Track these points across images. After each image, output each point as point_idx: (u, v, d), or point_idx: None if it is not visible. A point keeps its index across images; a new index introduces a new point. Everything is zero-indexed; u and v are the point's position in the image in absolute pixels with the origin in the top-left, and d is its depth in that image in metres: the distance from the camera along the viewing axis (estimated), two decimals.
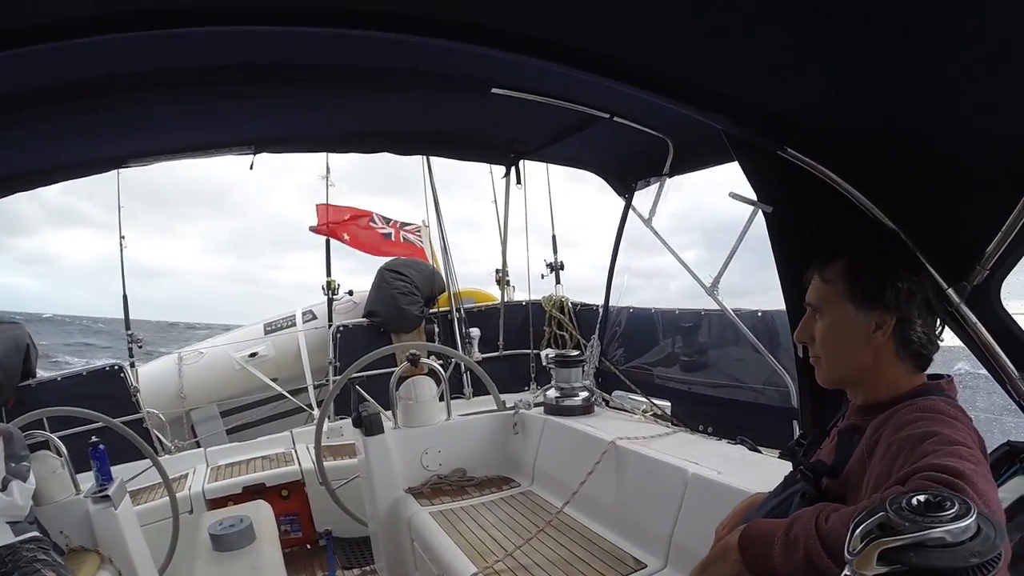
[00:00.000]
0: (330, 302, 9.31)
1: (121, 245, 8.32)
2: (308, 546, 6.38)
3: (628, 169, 5.12)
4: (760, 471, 3.42)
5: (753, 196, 2.66)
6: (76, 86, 3.10)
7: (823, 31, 1.80)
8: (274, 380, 9.07)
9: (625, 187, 5.24)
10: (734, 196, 3.00)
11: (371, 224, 10.58)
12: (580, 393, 5.21)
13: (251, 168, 5.16)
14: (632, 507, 3.97)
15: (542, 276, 7.84)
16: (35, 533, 4.19)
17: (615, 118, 3.98)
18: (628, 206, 5.25)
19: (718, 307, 4.69)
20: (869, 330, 1.85)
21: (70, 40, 2.15)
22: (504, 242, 7.39)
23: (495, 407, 5.71)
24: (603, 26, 2.07)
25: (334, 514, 6.14)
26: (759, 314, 4.66)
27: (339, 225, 10.10)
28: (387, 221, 10.77)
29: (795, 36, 1.87)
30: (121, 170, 5.77)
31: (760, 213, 2.64)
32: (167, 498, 5.58)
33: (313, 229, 10.01)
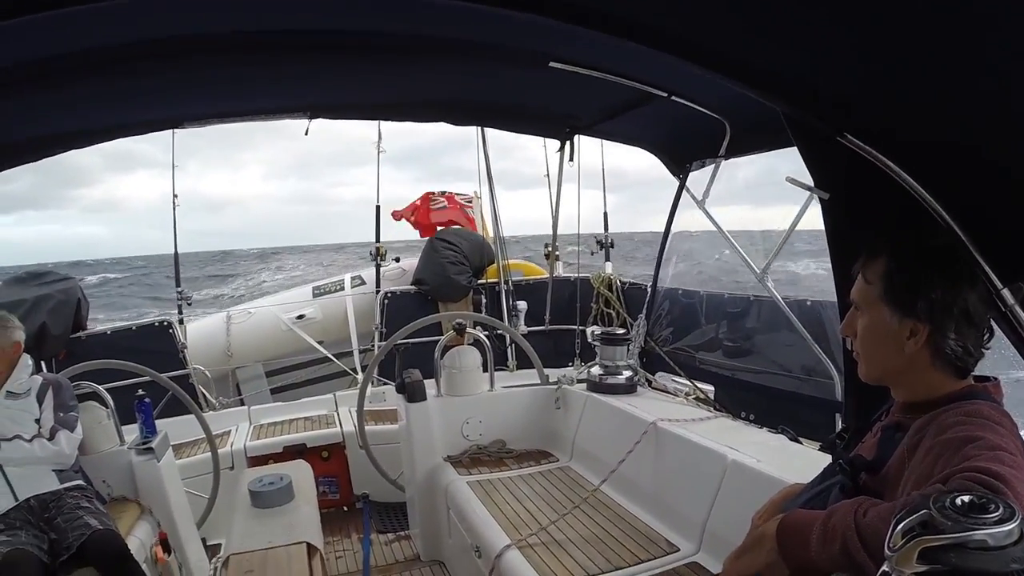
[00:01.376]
0: (378, 268, 9.37)
1: (174, 204, 8.41)
2: (345, 508, 6.46)
3: (683, 149, 5.06)
4: (799, 462, 3.38)
5: (810, 181, 2.62)
6: (138, 47, 3.13)
7: (892, 15, 1.74)
8: (320, 343, 9.16)
9: (679, 167, 5.17)
10: (791, 181, 2.95)
11: (430, 204, 10.69)
12: (624, 372, 5.19)
13: (306, 134, 5.20)
14: (669, 489, 3.97)
15: (591, 252, 7.81)
16: (79, 481, 4.31)
17: (672, 97, 3.93)
18: (682, 187, 5.18)
19: (767, 293, 4.63)
20: (903, 336, 1.80)
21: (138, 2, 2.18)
22: (555, 217, 7.34)
23: (538, 381, 5.71)
24: (666, 1, 2.04)
25: (372, 478, 6.22)
26: (808, 303, 4.58)
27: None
28: (442, 193, 10.83)
29: (861, 19, 1.82)
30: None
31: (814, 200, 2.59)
32: (209, 453, 5.68)
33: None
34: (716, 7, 2.01)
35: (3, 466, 4.07)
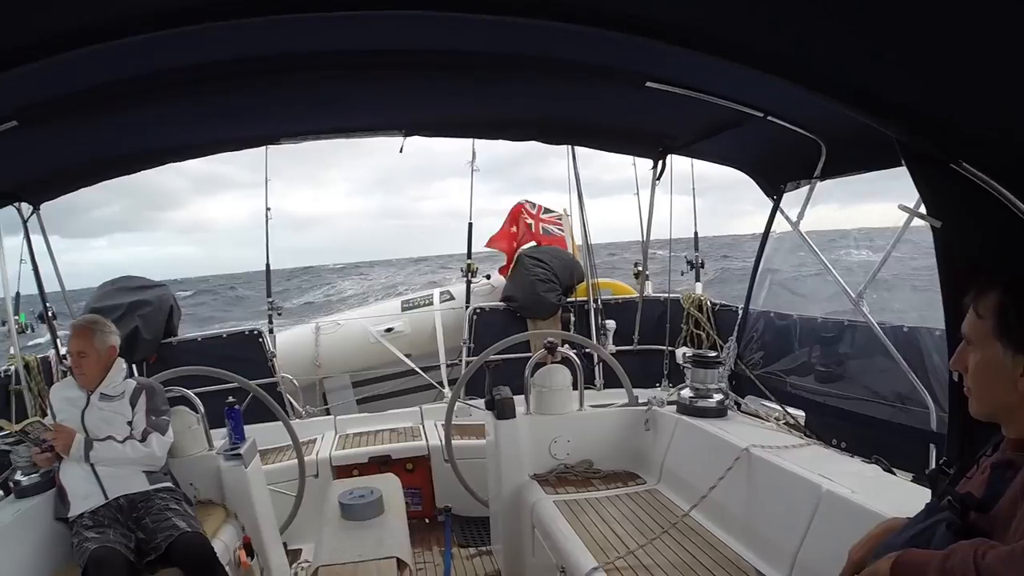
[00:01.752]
0: (468, 284, 9.45)
1: (267, 216, 8.64)
2: (427, 520, 6.51)
3: (778, 170, 4.98)
4: (895, 494, 3.28)
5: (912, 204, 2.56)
6: (238, 65, 3.25)
7: (1012, 44, 1.69)
8: (407, 356, 9.27)
9: (774, 188, 5.09)
10: (903, 208, 2.89)
11: (523, 216, 10.70)
12: (714, 395, 5.10)
13: (400, 151, 5.32)
14: (760, 518, 3.88)
15: (681, 273, 7.74)
16: (168, 483, 4.46)
17: (769, 117, 3.88)
18: (776, 207, 5.10)
19: (862, 318, 4.51)
20: (1016, 374, 1.75)
21: (237, 20, 2.25)
22: (647, 236, 7.29)
23: (626, 401, 5.66)
24: (770, 22, 2.02)
25: (455, 492, 6.27)
26: (905, 329, 4.45)
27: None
28: (533, 205, 10.83)
29: (980, 46, 1.77)
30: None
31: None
32: (294, 461, 5.80)
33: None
34: (827, 30, 1.98)
35: (95, 465, 4.23)
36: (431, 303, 10.17)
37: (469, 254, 9.73)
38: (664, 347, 6.79)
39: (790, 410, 5.07)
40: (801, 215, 4.82)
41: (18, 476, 4.41)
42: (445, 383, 8.51)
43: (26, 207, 5.60)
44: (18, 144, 3.78)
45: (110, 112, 3.80)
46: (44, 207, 5.76)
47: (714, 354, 5.31)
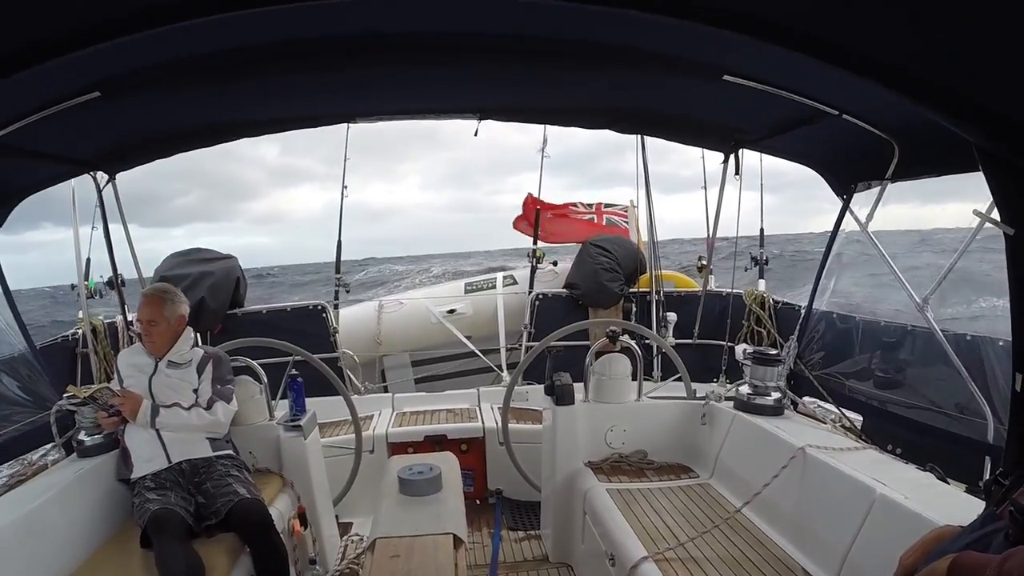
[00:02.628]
0: (533, 270, 9.51)
1: (343, 194, 8.77)
2: (478, 502, 6.60)
3: (849, 169, 4.91)
4: (948, 502, 3.25)
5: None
6: (320, 43, 3.33)
7: None
8: (468, 338, 9.38)
9: (844, 188, 5.02)
10: (977, 214, 2.86)
11: (572, 212, 10.70)
12: (773, 393, 5.08)
13: (475, 135, 5.39)
14: (811, 518, 3.87)
15: (745, 269, 7.67)
16: (230, 451, 4.61)
17: (844, 115, 3.85)
18: (845, 207, 5.04)
19: (925, 324, 4.45)
20: None
21: (322, 1, 2.33)
22: (714, 230, 7.24)
23: (683, 394, 5.67)
24: (851, 19, 2.02)
25: (507, 474, 6.36)
26: (968, 338, 4.37)
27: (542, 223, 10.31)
28: (589, 207, 10.84)
29: None
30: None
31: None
32: (351, 435, 5.94)
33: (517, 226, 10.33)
34: (912, 29, 1.97)
35: (160, 430, 4.37)
36: (494, 286, 10.27)
37: (535, 240, 9.79)
38: (724, 342, 6.77)
39: (847, 413, 5.03)
40: (871, 216, 4.76)
41: (82, 436, 4.60)
42: (504, 366, 8.59)
43: (102, 176, 5.74)
44: (99, 115, 3.90)
45: (189, 85, 3.90)
46: (124, 196, 5.99)
47: (774, 352, 5.27)
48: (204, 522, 4.17)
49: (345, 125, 6.17)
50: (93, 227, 6.37)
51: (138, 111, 4.34)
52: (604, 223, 10.80)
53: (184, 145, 5.30)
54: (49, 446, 4.91)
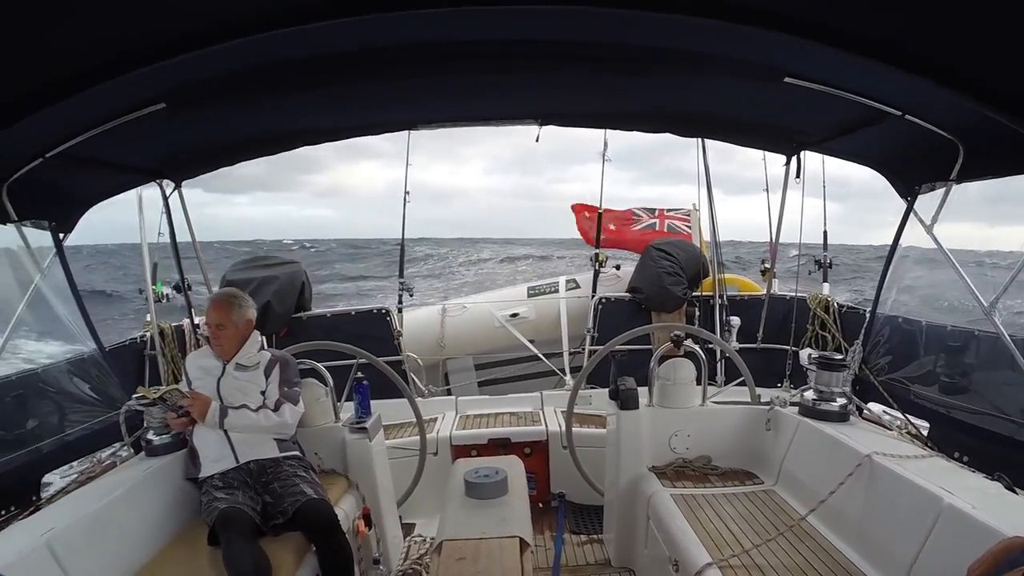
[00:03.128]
0: (596, 274, 9.49)
1: (405, 199, 8.86)
2: (540, 505, 6.62)
3: (912, 171, 4.84)
4: (1017, 512, 3.20)
5: None
6: (384, 53, 3.40)
7: None
8: (531, 341, 9.38)
9: (908, 189, 4.95)
10: None
11: (632, 219, 10.70)
12: (838, 399, 5.03)
13: (536, 140, 5.41)
14: (876, 527, 3.84)
15: (809, 272, 7.58)
16: (296, 452, 4.74)
17: (906, 116, 3.81)
18: (909, 209, 4.96)
19: (993, 329, 4.37)
20: None
21: (383, 13, 2.41)
22: (776, 233, 7.17)
23: (747, 399, 5.64)
24: (914, 21, 2.02)
25: (570, 478, 6.40)
26: None
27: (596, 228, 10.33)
28: (651, 212, 10.82)
29: None
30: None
31: None
32: (414, 437, 6.05)
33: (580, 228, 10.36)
34: (978, 32, 1.97)
35: (228, 431, 4.51)
36: (557, 290, 10.27)
37: (598, 243, 9.79)
38: (788, 347, 6.71)
39: (913, 420, 4.96)
40: (935, 218, 4.69)
41: (150, 436, 4.79)
42: (567, 370, 8.58)
43: (168, 184, 5.90)
44: (165, 125, 4.00)
45: (252, 95, 4.03)
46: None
47: (840, 357, 5.21)
48: (271, 521, 4.30)
49: (406, 132, 6.28)
50: (160, 233, 6.51)
51: (202, 121, 4.49)
52: (666, 229, 10.78)
53: (247, 153, 5.46)
54: (118, 445, 5.08)
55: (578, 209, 10.61)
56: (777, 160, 6.01)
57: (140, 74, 2.73)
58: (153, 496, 4.39)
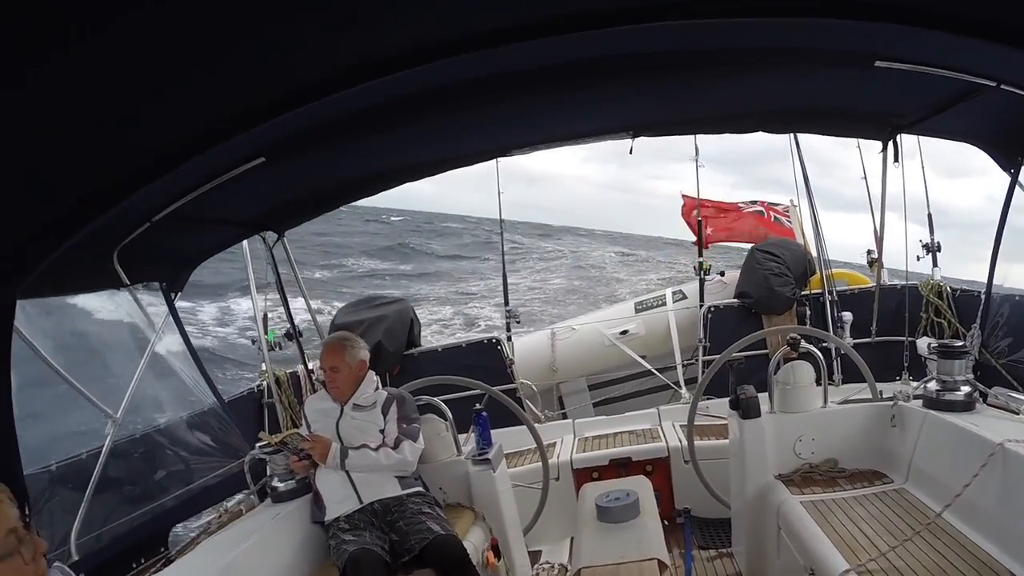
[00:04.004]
0: (701, 283, 9.43)
1: (502, 227, 9.03)
2: (666, 522, 6.53)
3: (1014, 141, 4.70)
4: None
5: None
6: (469, 86, 3.48)
7: None
8: (643, 357, 9.40)
9: (1010, 161, 4.81)
10: None
11: (739, 210, 10.58)
12: (962, 387, 4.83)
13: (630, 152, 5.46)
14: (1017, 518, 3.67)
15: (918, 258, 7.35)
16: (420, 488, 4.83)
17: (1002, 86, 3.71)
18: (1014, 182, 4.81)
19: None
20: None
21: (469, 54, 2.54)
22: (881, 223, 7.02)
23: (868, 396, 5.49)
24: None
25: (695, 493, 6.33)
26: None
27: (705, 221, 10.25)
28: (753, 202, 10.70)
29: None
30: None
31: None
32: (534, 464, 6.12)
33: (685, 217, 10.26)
34: None
35: (350, 472, 4.64)
36: (664, 303, 10.21)
37: (700, 251, 9.74)
38: (904, 338, 6.53)
39: None
40: None
41: (275, 482, 4.95)
42: (682, 383, 8.54)
43: (271, 235, 6.08)
44: (264, 178, 4.16)
45: (347, 141, 4.15)
46: None
47: (960, 343, 5.04)
48: (399, 559, 4.40)
49: (494, 161, 6.38)
50: (267, 282, 6.77)
51: (301, 170, 4.64)
52: (772, 219, 10.66)
53: (346, 198, 5.67)
54: (244, 493, 5.27)
55: (689, 206, 10.49)
56: (870, 146, 5.92)
57: (241, 137, 2.90)
58: (282, 542, 4.55)
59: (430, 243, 49.77)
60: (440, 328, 24.78)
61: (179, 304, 5.34)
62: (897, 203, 6.71)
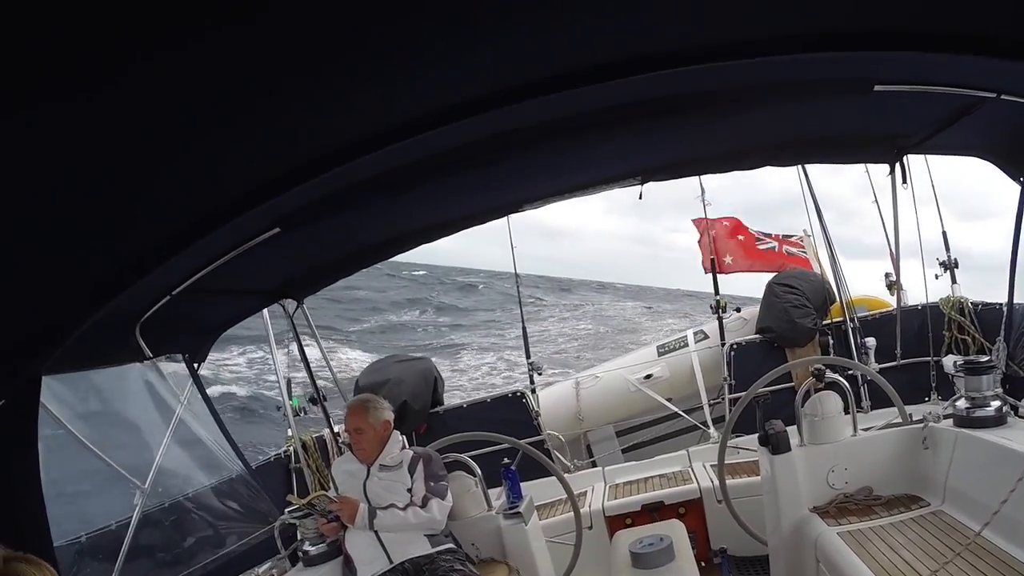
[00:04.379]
0: (720, 321, 9.39)
1: (517, 282, 9.08)
2: (703, 563, 6.42)
3: (1019, 151, 4.69)
4: None
5: None
6: (475, 147, 3.50)
7: None
8: (668, 400, 9.33)
9: (1019, 171, 4.78)
10: None
11: (755, 245, 10.55)
12: (992, 402, 4.75)
13: (640, 198, 5.47)
14: None
15: (936, 276, 7.30)
16: (451, 544, 4.79)
17: (1002, 96, 3.70)
18: None
19: None
20: None
21: (482, 114, 2.56)
22: (896, 244, 6.97)
23: (898, 420, 5.40)
24: (991, 7, 2.02)
25: (730, 532, 6.22)
26: None
27: (722, 244, 10.21)
28: (769, 236, 10.69)
29: None
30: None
31: None
32: (566, 514, 6.03)
33: (705, 265, 10.23)
34: None
35: (378, 532, 4.61)
36: (686, 344, 10.13)
37: (716, 290, 9.72)
38: (929, 358, 6.46)
39: None
40: None
41: (306, 547, 4.92)
42: (710, 423, 8.46)
43: (290, 303, 6.11)
44: (280, 247, 4.18)
45: (359, 208, 4.21)
46: None
47: (986, 358, 4.97)
48: None
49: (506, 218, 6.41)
50: (287, 350, 6.81)
51: (316, 238, 4.70)
52: (785, 253, 10.63)
53: (362, 262, 5.67)
54: (275, 559, 5.23)
55: (700, 227, 10.46)
56: (879, 169, 5.91)
57: (255, 211, 2.95)
58: None
59: (453, 296, 50.23)
60: (489, 370, 25.47)
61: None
62: (909, 225, 6.67)
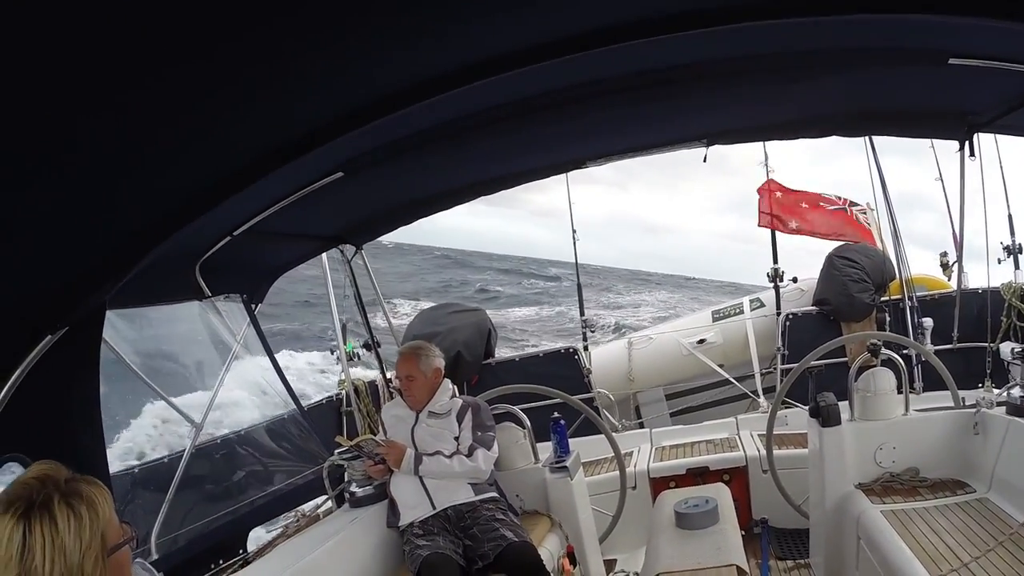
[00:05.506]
0: (777, 290, 9.35)
1: (574, 238, 9.09)
2: (743, 532, 6.49)
3: None
4: None
5: None
6: (545, 97, 3.57)
7: None
8: (720, 366, 9.37)
9: None
10: None
11: (820, 204, 10.38)
12: None
13: (704, 161, 5.45)
14: None
15: (999, 261, 7.18)
16: (494, 494, 4.89)
17: None
18: None
19: None
20: None
21: (548, 61, 2.63)
22: (961, 225, 6.88)
23: (950, 403, 5.39)
24: None
25: (772, 503, 6.29)
26: None
27: (785, 209, 10.08)
28: (838, 198, 10.49)
29: None
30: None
31: None
32: (611, 473, 6.17)
33: (761, 222, 10.06)
34: None
35: (423, 478, 4.74)
36: (742, 312, 10.15)
37: (775, 258, 9.64)
38: (986, 343, 6.40)
39: None
40: None
41: (353, 488, 5.08)
42: (760, 392, 8.49)
43: (349, 248, 6.26)
44: (343, 192, 4.30)
45: (424, 155, 4.25)
46: None
47: None
48: (473, 565, 4.49)
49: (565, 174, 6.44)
50: (344, 296, 6.97)
51: (378, 185, 4.78)
52: (854, 217, 10.45)
53: (423, 211, 5.75)
54: (322, 498, 5.44)
55: (769, 189, 10.20)
56: (946, 146, 5.84)
57: (320, 151, 3.02)
58: (358, 546, 4.66)
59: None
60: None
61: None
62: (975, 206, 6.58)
